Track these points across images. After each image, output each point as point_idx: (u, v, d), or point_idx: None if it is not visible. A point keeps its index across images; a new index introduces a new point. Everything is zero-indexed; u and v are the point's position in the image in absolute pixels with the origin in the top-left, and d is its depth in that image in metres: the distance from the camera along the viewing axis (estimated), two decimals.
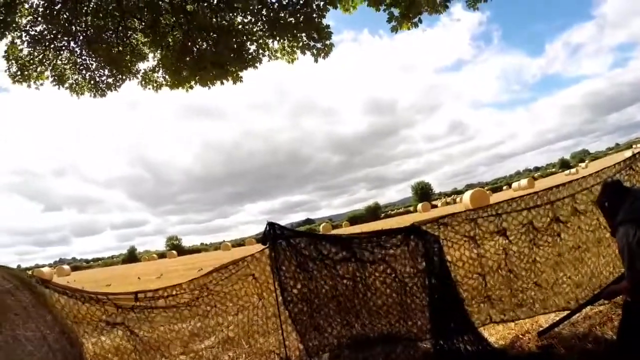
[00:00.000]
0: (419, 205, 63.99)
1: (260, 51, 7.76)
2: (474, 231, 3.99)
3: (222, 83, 7.95)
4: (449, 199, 73.10)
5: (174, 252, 73.50)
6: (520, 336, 4.25)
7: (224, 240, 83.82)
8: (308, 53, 7.33)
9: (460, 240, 3.98)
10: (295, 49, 7.59)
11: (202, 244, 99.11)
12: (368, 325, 3.87)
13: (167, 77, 8.46)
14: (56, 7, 7.61)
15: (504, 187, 70.12)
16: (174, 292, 3.73)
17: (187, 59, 7.63)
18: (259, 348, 4.01)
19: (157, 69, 8.55)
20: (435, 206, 64.07)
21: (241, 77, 7.90)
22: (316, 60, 7.32)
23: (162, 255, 76.14)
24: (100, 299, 3.59)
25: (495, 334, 4.33)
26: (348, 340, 3.89)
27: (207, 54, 7.43)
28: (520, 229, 4.02)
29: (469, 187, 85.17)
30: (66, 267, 52.41)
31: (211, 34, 7.38)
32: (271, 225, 3.66)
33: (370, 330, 3.88)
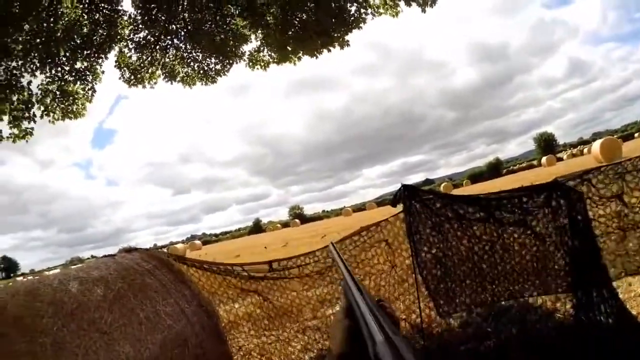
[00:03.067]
0: (543, 159, 53.84)
1: (362, 10, 7.19)
2: (620, 185, 3.26)
3: (329, 50, 7.51)
4: (575, 151, 61.21)
5: (297, 220, 73.78)
6: None
7: (344, 206, 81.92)
8: (413, 4, 6.72)
9: (604, 196, 3.26)
10: (397, 1, 6.99)
11: (323, 211, 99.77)
12: (502, 291, 3.31)
13: (272, 54, 8.30)
14: (153, 12, 7.61)
15: (636, 135, 58.08)
16: (307, 261, 3.44)
17: (290, 32, 7.35)
18: None
19: (261, 48, 8.41)
20: (560, 159, 53.91)
21: (347, 41, 7.40)
22: (424, 10, 6.74)
23: (285, 225, 76.69)
24: (236, 269, 3.42)
25: (637, 307, 3.56)
26: (480, 306, 3.38)
27: (309, 24, 7.10)
28: None
29: (597, 135, 72.82)
30: (197, 242, 54.60)
31: (309, 3, 7.01)
32: (405, 187, 3.19)
33: (504, 296, 3.32)
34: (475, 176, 71.50)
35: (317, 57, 7.63)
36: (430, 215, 3.12)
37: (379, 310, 0.59)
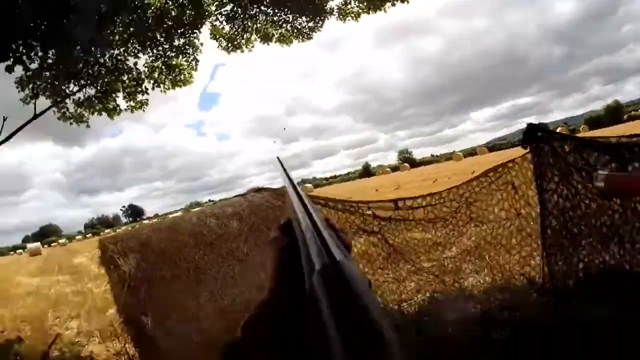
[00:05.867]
0: None
1: None
2: None
3: None
4: None
5: (407, 164, 73.51)
6: None
7: (454, 151, 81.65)
8: None
9: None
10: None
11: (432, 155, 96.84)
12: (629, 256, 3.02)
13: (361, 4, 8.33)
14: None
15: None
16: (433, 202, 3.42)
17: None
18: (502, 264, 3.60)
19: (348, 0, 8.44)
20: None
21: None
22: None
23: (395, 169, 76.62)
24: (361, 207, 3.53)
25: None
26: (601, 270, 3.13)
27: None
28: None
29: None
30: (309, 185, 55.36)
31: None
32: (532, 126, 3.05)
33: (631, 262, 3.04)
34: (593, 121, 62.97)
35: (407, 2, 7.55)
36: (558, 160, 2.94)
37: (326, 228, 0.48)
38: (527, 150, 3.12)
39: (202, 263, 3.00)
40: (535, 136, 3.02)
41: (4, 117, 3.39)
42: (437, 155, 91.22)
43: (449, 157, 74.70)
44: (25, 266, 22.20)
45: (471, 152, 72.42)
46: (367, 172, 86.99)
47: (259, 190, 3.65)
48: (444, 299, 3.66)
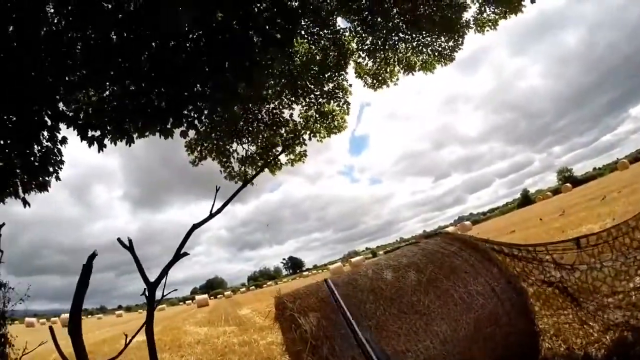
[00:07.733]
0: None
1: None
2: None
3: None
4: None
5: (568, 185, 72.28)
6: None
7: (617, 159, 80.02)
8: None
9: None
10: None
11: (594, 168, 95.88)
12: None
13: (496, 9, 8.67)
14: (368, 19, 8.85)
15: None
16: (620, 234, 3.39)
17: None
18: None
19: (482, 9, 8.85)
20: None
21: None
22: None
23: (556, 191, 77.39)
24: (539, 251, 3.69)
25: None
26: None
27: None
28: None
29: None
30: (467, 223, 55.76)
31: None
32: None
33: None
34: None
35: None
36: None
37: None
38: None
39: (383, 319, 3.21)
40: None
41: (217, 186, 4.45)
42: (599, 168, 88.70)
43: (613, 167, 72.00)
44: (193, 316, 26.08)
45: (637, 157, 68.02)
46: (526, 199, 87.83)
47: (429, 236, 4.12)
48: (637, 337, 3.56)
